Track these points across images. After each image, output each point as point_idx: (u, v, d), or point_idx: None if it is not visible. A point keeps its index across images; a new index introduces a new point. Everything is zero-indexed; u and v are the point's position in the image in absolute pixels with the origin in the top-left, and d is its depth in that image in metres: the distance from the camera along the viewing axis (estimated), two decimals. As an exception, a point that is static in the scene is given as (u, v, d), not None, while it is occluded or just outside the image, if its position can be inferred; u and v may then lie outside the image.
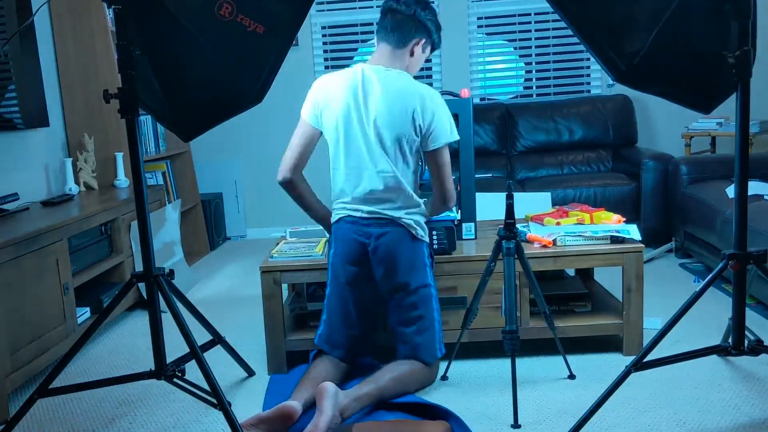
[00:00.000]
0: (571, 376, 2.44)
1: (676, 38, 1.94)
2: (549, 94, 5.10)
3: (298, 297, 2.94)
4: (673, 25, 1.92)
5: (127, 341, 3.07)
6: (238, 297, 3.68)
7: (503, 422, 2.14)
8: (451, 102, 2.58)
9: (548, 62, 5.04)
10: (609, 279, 3.20)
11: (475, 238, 2.77)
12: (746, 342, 2.06)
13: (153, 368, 2.15)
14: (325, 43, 5.10)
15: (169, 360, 2.17)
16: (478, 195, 2.83)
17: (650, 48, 1.94)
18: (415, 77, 2.40)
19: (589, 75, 5.10)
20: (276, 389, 2.44)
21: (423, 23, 2.38)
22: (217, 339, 2.45)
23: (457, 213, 2.73)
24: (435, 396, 2.34)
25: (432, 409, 2.18)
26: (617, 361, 2.55)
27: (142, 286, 3.37)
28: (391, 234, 2.31)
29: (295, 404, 2.04)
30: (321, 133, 2.41)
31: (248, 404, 2.36)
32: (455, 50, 5.00)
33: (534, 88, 5.12)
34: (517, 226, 2.30)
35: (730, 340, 2.09)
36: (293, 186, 2.42)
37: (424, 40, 2.41)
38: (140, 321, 3.33)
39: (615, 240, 2.57)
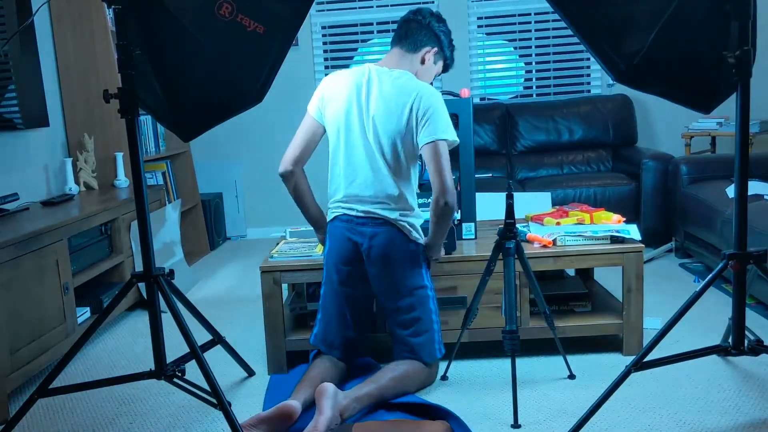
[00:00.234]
0: (571, 376, 2.44)
1: (676, 38, 1.94)
2: (549, 94, 5.10)
3: (298, 297, 2.94)
4: (673, 24, 1.92)
5: (127, 341, 3.06)
6: (238, 297, 3.68)
7: (503, 422, 2.14)
8: (451, 102, 2.58)
9: (548, 62, 5.04)
10: (609, 279, 3.20)
11: (475, 238, 2.77)
12: (746, 342, 2.06)
13: (153, 368, 2.15)
14: (325, 43, 5.10)
15: (169, 360, 2.17)
16: (478, 195, 2.84)
17: (650, 48, 1.94)
18: None
19: (589, 75, 5.10)
20: (276, 389, 2.44)
21: (436, 33, 2.42)
22: (217, 339, 2.45)
23: (457, 213, 2.73)
24: (435, 396, 2.34)
25: (432, 409, 2.18)
26: (617, 361, 2.55)
27: (142, 286, 3.37)
28: (385, 234, 2.31)
29: (295, 404, 2.04)
30: (324, 129, 2.41)
31: (248, 404, 2.36)
32: (455, 50, 4.98)
33: (534, 88, 5.12)
34: (517, 226, 2.30)
35: (730, 340, 2.10)
36: (293, 179, 2.42)
37: (435, 50, 2.44)
38: (140, 321, 3.33)
39: (615, 240, 2.57)
